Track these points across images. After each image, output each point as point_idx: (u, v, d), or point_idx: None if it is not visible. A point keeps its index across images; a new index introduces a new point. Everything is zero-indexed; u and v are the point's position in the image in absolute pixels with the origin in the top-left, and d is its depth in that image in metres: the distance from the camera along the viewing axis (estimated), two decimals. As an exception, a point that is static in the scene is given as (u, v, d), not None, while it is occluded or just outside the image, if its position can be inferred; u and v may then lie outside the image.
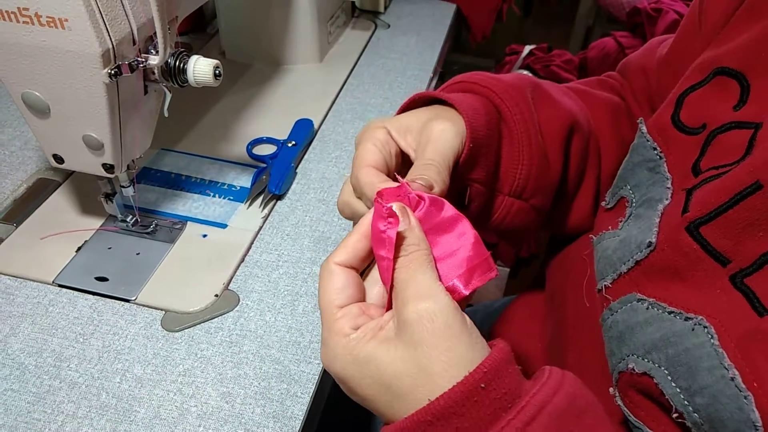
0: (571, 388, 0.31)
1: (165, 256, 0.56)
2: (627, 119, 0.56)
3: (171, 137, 0.70)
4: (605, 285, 0.41)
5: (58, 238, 0.57)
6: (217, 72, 0.49)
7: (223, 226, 0.60)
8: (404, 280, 0.32)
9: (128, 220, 0.58)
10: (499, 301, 0.77)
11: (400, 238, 0.32)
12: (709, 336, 0.32)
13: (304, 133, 0.71)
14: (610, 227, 0.45)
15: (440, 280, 0.33)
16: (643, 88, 0.55)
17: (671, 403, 0.33)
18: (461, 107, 0.41)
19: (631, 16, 1.43)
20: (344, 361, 0.32)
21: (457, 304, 0.32)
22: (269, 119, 0.75)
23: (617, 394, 0.38)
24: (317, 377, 0.48)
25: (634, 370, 0.36)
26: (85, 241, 0.57)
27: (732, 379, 0.30)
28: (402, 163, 0.41)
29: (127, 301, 0.53)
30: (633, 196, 0.44)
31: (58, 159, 0.52)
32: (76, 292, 0.53)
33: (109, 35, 0.43)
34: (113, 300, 0.53)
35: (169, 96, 0.50)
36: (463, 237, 0.34)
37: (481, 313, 0.72)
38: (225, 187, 0.65)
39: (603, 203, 0.48)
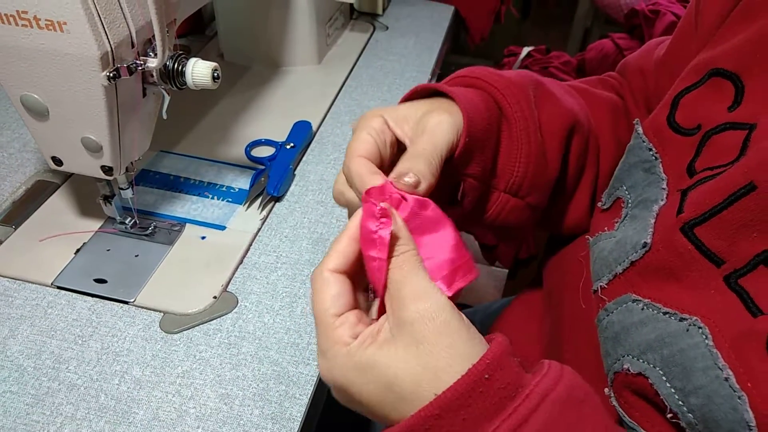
0: (570, 380, 0.31)
1: (164, 258, 0.56)
2: (625, 119, 0.56)
3: (170, 139, 0.70)
4: (601, 286, 0.41)
5: (57, 240, 0.57)
6: (216, 75, 0.49)
7: (222, 227, 0.60)
8: (398, 280, 0.32)
9: (127, 222, 0.58)
10: (498, 302, 0.77)
11: (391, 238, 0.33)
12: (704, 336, 0.32)
13: (302, 135, 0.71)
14: (606, 228, 0.45)
15: None
16: (640, 89, 0.56)
17: (666, 404, 0.33)
18: (461, 101, 0.41)
19: (629, 17, 1.43)
20: (346, 369, 0.31)
21: (452, 302, 0.32)
22: (268, 121, 0.75)
23: (612, 395, 0.38)
24: (315, 379, 0.48)
25: (630, 371, 0.36)
26: (84, 243, 0.57)
27: (726, 379, 0.30)
28: (398, 153, 0.41)
29: (126, 302, 0.53)
30: (629, 196, 0.44)
31: (57, 161, 0.52)
32: (74, 294, 0.53)
33: (107, 38, 0.43)
34: (112, 302, 0.53)
35: (167, 98, 0.50)
36: (446, 238, 0.35)
37: (480, 314, 0.73)
38: (223, 189, 0.65)
39: (599, 204, 0.48)
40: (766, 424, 0.29)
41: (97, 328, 0.51)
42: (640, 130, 0.45)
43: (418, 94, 0.45)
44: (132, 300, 0.53)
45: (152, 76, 0.48)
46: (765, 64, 0.37)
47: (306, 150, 0.72)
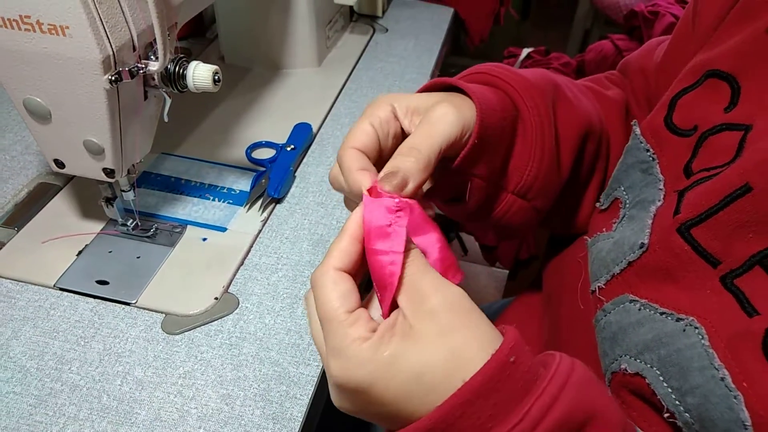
0: (582, 365, 0.32)
1: (165, 259, 0.57)
2: (629, 119, 0.56)
3: (171, 141, 0.71)
4: (599, 286, 0.41)
5: (59, 242, 0.58)
6: (216, 77, 0.50)
7: (223, 229, 0.61)
8: (414, 273, 0.32)
9: (129, 223, 0.58)
10: (498, 303, 0.77)
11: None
12: (700, 336, 0.32)
13: (302, 137, 0.72)
14: (604, 229, 0.45)
15: None
16: (642, 89, 0.56)
17: (663, 403, 0.34)
18: (477, 99, 0.40)
19: (628, 19, 1.44)
20: (371, 365, 0.30)
21: None
22: (268, 123, 0.75)
23: (610, 395, 0.39)
24: (316, 379, 0.49)
25: (627, 371, 0.36)
26: (86, 245, 0.58)
27: (722, 379, 0.31)
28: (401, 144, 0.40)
29: (128, 304, 0.53)
30: (627, 197, 0.44)
31: (59, 164, 0.52)
32: (77, 296, 0.54)
33: (109, 42, 0.43)
34: (114, 303, 0.53)
35: (168, 101, 0.51)
36: (433, 240, 0.35)
37: (480, 315, 0.73)
38: (224, 190, 0.65)
39: (597, 204, 0.49)
40: (762, 424, 0.29)
41: (99, 329, 0.51)
42: (637, 130, 0.45)
43: (434, 88, 0.44)
44: (134, 301, 0.53)
45: (154, 79, 0.49)
46: (761, 66, 0.37)
47: (306, 152, 0.72)
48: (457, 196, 0.46)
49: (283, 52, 0.84)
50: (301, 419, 0.46)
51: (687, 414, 0.32)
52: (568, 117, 0.47)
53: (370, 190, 0.34)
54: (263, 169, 0.68)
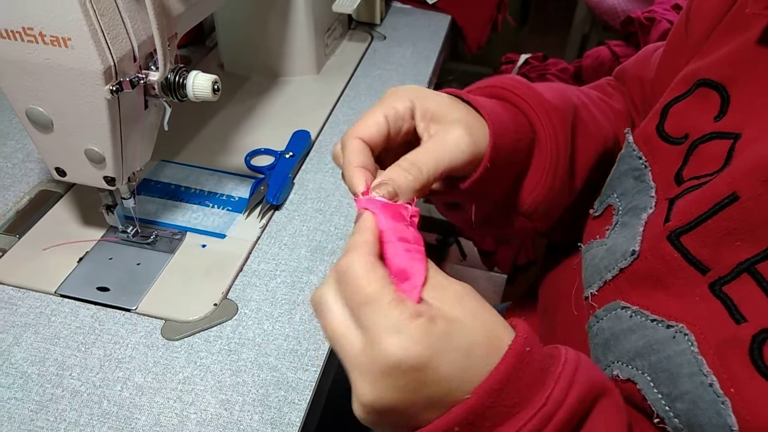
0: (583, 354, 0.34)
1: (165, 266, 0.58)
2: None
3: (170, 149, 0.71)
4: (591, 293, 0.42)
5: (60, 249, 0.58)
6: (216, 87, 0.51)
7: (222, 236, 0.61)
8: (428, 271, 0.33)
9: (129, 230, 0.59)
10: (495, 307, 0.78)
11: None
12: (690, 343, 0.33)
13: (301, 144, 0.72)
14: (597, 236, 0.46)
15: None
16: (640, 97, 0.56)
17: (653, 409, 0.34)
18: (492, 130, 0.39)
19: (625, 25, 1.45)
20: (431, 338, 0.29)
21: None
22: (267, 131, 0.76)
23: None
24: (314, 384, 0.49)
25: (619, 377, 0.37)
26: (87, 252, 0.58)
27: (710, 385, 0.31)
28: (408, 144, 0.40)
29: (128, 310, 0.54)
30: (620, 204, 0.45)
31: (61, 172, 0.53)
32: (77, 302, 0.54)
33: (110, 53, 0.44)
34: (114, 309, 0.54)
35: (168, 110, 0.51)
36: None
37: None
38: (224, 197, 0.66)
39: (591, 211, 0.49)
40: (748, 429, 0.30)
41: (99, 335, 0.52)
42: (630, 138, 0.46)
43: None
44: (134, 308, 0.54)
45: (154, 88, 0.50)
46: (750, 75, 0.38)
47: (305, 159, 0.73)
48: (458, 203, 0.46)
49: (282, 59, 0.85)
50: (299, 424, 0.47)
51: (676, 419, 0.33)
52: (586, 142, 0.48)
53: (364, 193, 0.35)
54: (262, 176, 0.68)
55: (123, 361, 0.50)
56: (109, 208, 0.57)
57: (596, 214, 0.48)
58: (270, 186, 0.66)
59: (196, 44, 0.93)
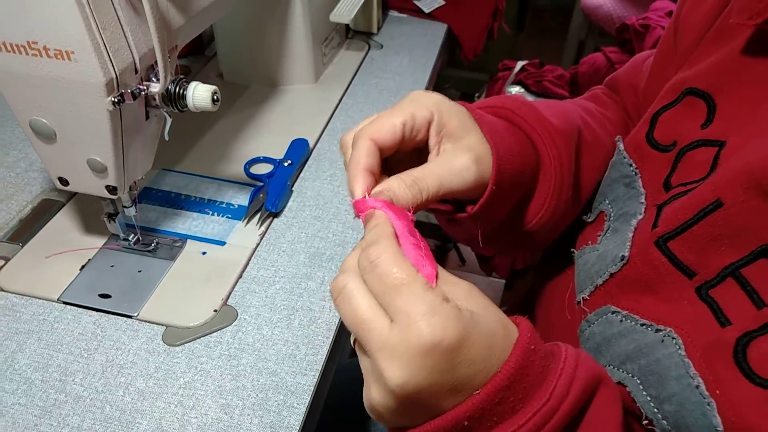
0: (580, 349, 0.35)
1: (166, 273, 0.58)
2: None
3: (171, 158, 0.73)
4: (583, 297, 0.43)
5: (63, 256, 0.59)
6: (215, 98, 0.52)
7: (222, 243, 0.62)
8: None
9: (130, 238, 0.60)
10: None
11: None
12: (677, 347, 0.34)
13: (299, 152, 0.74)
14: (590, 242, 0.47)
15: None
16: (633, 106, 0.57)
17: (642, 411, 0.35)
18: (497, 156, 0.40)
19: (620, 32, 1.46)
20: (464, 320, 0.30)
21: None
22: (266, 139, 0.77)
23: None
24: (313, 388, 0.50)
25: (610, 380, 0.38)
26: (89, 260, 0.59)
27: (697, 387, 0.32)
28: (421, 149, 0.40)
29: (130, 317, 0.55)
30: (611, 210, 0.46)
31: (64, 181, 0.54)
32: (80, 309, 0.55)
33: (112, 65, 0.45)
34: (116, 316, 0.55)
35: (169, 121, 0.52)
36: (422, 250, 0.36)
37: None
38: (223, 205, 0.67)
39: (584, 217, 0.50)
40: (733, 429, 0.31)
41: (101, 341, 0.53)
42: (621, 146, 0.47)
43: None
44: (135, 314, 0.55)
45: (155, 99, 0.51)
46: (734, 84, 0.39)
47: (303, 167, 0.74)
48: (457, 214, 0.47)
49: (281, 69, 0.86)
50: (298, 428, 0.47)
51: (664, 421, 0.34)
52: (589, 163, 0.48)
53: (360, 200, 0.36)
54: (261, 184, 0.69)
55: (125, 366, 0.51)
56: (111, 217, 0.58)
57: (589, 220, 0.49)
58: (269, 194, 0.67)
59: (196, 54, 0.94)
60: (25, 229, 0.62)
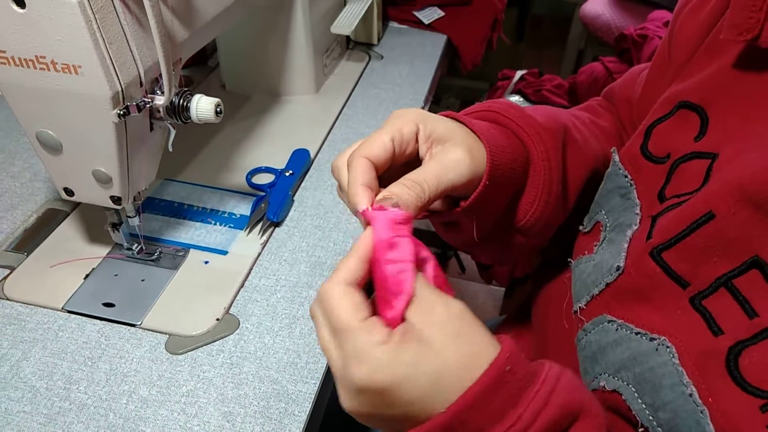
0: (571, 372, 0.35)
1: (169, 282, 0.59)
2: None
3: (174, 168, 0.73)
4: (580, 307, 0.43)
5: (67, 265, 0.60)
6: (219, 110, 0.53)
7: (224, 252, 0.63)
8: (418, 287, 0.34)
9: (134, 248, 0.61)
10: (490, 321, 0.79)
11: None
12: (671, 355, 0.35)
13: (300, 162, 0.74)
14: (586, 252, 0.47)
15: None
16: (628, 117, 0.58)
17: (637, 419, 0.36)
18: (489, 150, 0.41)
19: (618, 41, 1.48)
20: (395, 367, 0.32)
21: None
22: (267, 149, 0.78)
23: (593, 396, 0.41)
24: (314, 396, 0.51)
25: (605, 388, 0.38)
26: (93, 269, 0.60)
27: (690, 395, 0.33)
28: (408, 164, 0.41)
29: (133, 325, 0.55)
30: (607, 221, 0.47)
31: (69, 192, 0.55)
32: (84, 318, 0.56)
33: (118, 79, 0.46)
34: (120, 325, 0.56)
35: (173, 132, 0.53)
36: (425, 260, 0.37)
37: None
38: (225, 215, 0.68)
39: (581, 227, 0.51)
40: (725, 436, 0.31)
41: (105, 350, 0.53)
42: (616, 158, 0.47)
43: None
44: (139, 323, 0.55)
45: (159, 112, 0.51)
46: (726, 98, 0.40)
47: (304, 177, 0.75)
48: (456, 222, 0.48)
49: (282, 80, 0.87)
50: (299, 436, 0.48)
51: (659, 429, 0.34)
52: (577, 160, 0.49)
53: (365, 211, 0.37)
54: (263, 193, 0.70)
55: (128, 374, 0.52)
56: (115, 226, 0.59)
57: (585, 230, 0.50)
58: (270, 203, 0.68)
59: (198, 64, 0.95)
60: (30, 239, 0.63)
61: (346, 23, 0.87)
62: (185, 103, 0.52)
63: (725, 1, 0.41)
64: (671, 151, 0.42)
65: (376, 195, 0.38)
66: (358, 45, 1.03)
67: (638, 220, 0.42)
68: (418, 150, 0.41)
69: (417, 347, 0.32)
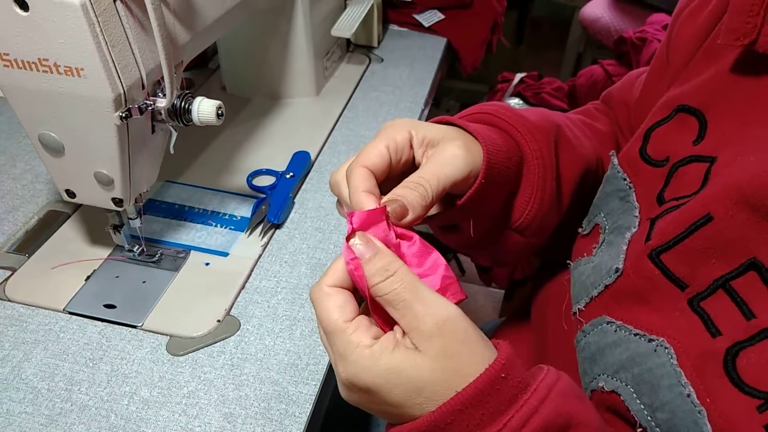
0: (568, 379, 0.35)
1: (170, 283, 0.59)
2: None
3: (175, 170, 0.74)
4: (579, 308, 0.44)
5: (68, 267, 0.60)
6: (220, 112, 0.53)
7: (225, 254, 0.63)
8: (408, 298, 0.34)
9: (135, 249, 0.61)
10: (490, 323, 0.79)
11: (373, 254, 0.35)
12: (670, 356, 0.35)
13: (301, 164, 0.75)
14: (585, 254, 0.48)
15: None
16: (626, 121, 0.59)
17: (636, 419, 0.36)
18: (485, 146, 0.42)
19: (618, 45, 1.48)
20: (374, 370, 0.33)
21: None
22: (268, 152, 0.78)
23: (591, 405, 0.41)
24: (314, 398, 0.51)
25: (604, 389, 0.38)
26: (94, 270, 0.60)
27: (688, 395, 0.33)
28: (406, 172, 0.41)
29: (134, 327, 0.56)
30: (606, 223, 0.47)
31: (71, 194, 0.55)
32: (85, 319, 0.56)
33: (120, 81, 0.46)
34: (121, 326, 0.56)
35: (174, 134, 0.54)
36: (434, 263, 0.37)
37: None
38: (226, 217, 0.68)
39: (580, 230, 0.51)
40: (722, 437, 0.31)
41: (107, 351, 0.54)
42: (615, 161, 0.48)
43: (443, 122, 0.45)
44: (140, 324, 0.56)
45: (161, 114, 0.52)
46: (724, 102, 0.40)
47: (305, 179, 0.75)
48: (454, 224, 0.48)
49: (283, 82, 0.87)
50: (299, 437, 0.48)
51: (658, 429, 0.35)
52: (569, 159, 0.50)
53: (350, 215, 0.37)
54: (263, 195, 0.70)
55: (129, 376, 0.52)
56: (116, 228, 0.59)
57: (584, 232, 0.50)
58: (271, 205, 0.68)
59: (199, 67, 0.95)
60: (32, 240, 0.64)
61: (346, 26, 0.88)
62: (187, 106, 0.52)
63: (723, 5, 0.42)
64: (670, 154, 0.43)
65: (379, 201, 0.38)
66: (359, 48, 1.03)
67: (637, 223, 0.43)
68: (413, 158, 0.42)
69: (402, 359, 0.33)
